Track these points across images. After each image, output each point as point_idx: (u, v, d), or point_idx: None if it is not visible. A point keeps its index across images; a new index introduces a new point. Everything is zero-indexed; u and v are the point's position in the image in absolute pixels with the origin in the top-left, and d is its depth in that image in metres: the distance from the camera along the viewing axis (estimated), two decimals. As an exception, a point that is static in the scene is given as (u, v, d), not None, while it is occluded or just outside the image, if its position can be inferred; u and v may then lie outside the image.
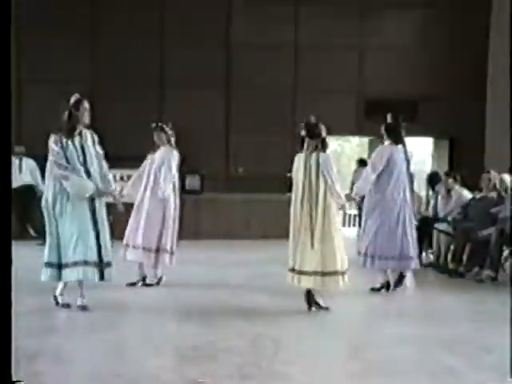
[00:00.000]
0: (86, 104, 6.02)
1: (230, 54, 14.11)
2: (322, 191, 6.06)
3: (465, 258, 8.25)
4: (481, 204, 8.58)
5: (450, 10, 14.31)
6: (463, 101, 14.07)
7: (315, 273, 5.99)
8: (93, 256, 5.84)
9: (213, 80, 13.87)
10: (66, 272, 5.88)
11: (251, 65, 13.85)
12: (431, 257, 9.31)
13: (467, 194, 9.17)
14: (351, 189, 8.55)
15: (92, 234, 5.86)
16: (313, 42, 14.06)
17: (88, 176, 5.91)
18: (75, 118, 5.93)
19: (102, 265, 5.88)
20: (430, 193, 10.22)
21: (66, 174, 5.83)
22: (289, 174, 12.14)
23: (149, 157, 7.41)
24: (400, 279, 7.30)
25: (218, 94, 14.01)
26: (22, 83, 13.20)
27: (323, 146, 6.12)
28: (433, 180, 10.20)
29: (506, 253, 8.24)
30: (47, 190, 6.00)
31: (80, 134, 5.95)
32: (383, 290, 7.20)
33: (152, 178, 7.28)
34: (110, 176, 6.19)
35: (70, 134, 5.91)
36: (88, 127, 6.05)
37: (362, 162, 12.94)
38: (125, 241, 7.30)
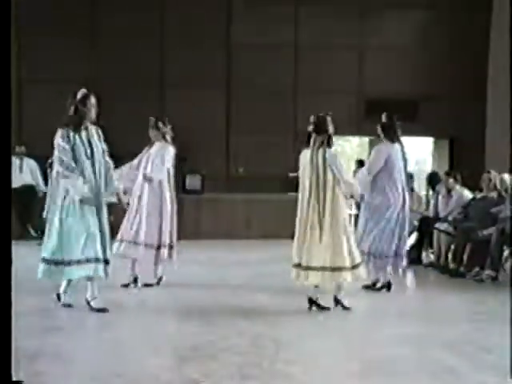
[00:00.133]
0: (93, 99, 5.96)
1: (230, 54, 14.11)
2: (330, 186, 6.05)
3: (465, 257, 8.24)
4: (481, 204, 8.58)
5: (450, 10, 14.31)
6: (463, 101, 14.08)
7: (323, 268, 5.97)
8: (101, 253, 5.85)
9: (213, 80, 13.87)
10: (71, 269, 5.83)
11: (251, 65, 13.85)
12: (432, 257, 9.30)
13: (468, 194, 9.17)
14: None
15: (98, 232, 5.86)
16: (313, 42, 14.06)
17: (93, 170, 5.88)
18: (82, 113, 5.87)
19: (106, 262, 5.89)
20: (430, 193, 10.22)
21: (67, 174, 5.79)
22: (292, 174, 12.14)
23: (144, 151, 7.36)
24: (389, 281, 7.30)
25: (218, 94, 14.01)
26: (22, 83, 13.21)
27: (329, 142, 6.13)
28: (433, 180, 10.21)
29: (506, 253, 8.24)
30: (56, 186, 5.95)
31: (86, 129, 5.92)
32: (384, 290, 7.19)
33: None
34: (115, 174, 6.19)
35: (76, 129, 5.85)
36: (94, 123, 6.01)
37: (360, 163, 12.94)
38: (119, 236, 7.16)
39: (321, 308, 6.11)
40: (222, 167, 14.05)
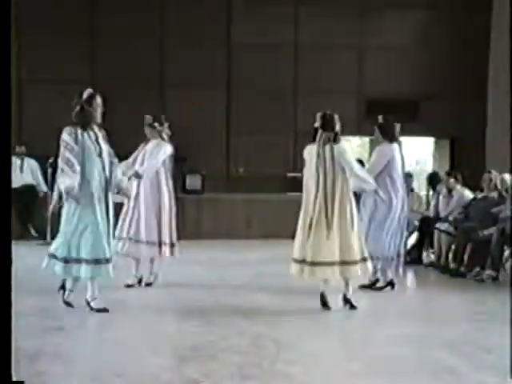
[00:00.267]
0: (99, 99, 5.95)
1: (230, 54, 14.10)
2: (339, 181, 6.03)
3: (466, 257, 8.24)
4: (482, 204, 8.57)
5: (451, 10, 14.31)
6: (464, 100, 14.08)
7: (332, 263, 5.94)
8: (109, 254, 5.85)
9: (213, 80, 13.87)
10: (80, 268, 5.79)
11: (251, 65, 13.85)
12: (432, 257, 9.30)
13: (468, 194, 9.17)
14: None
15: (106, 232, 5.86)
16: (313, 41, 14.06)
17: (103, 169, 5.85)
18: (88, 113, 5.86)
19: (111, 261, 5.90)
20: (431, 193, 10.22)
21: (64, 169, 5.74)
22: (291, 174, 12.06)
23: (140, 147, 7.30)
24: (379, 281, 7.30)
25: (218, 94, 14.01)
26: (22, 83, 13.20)
27: (335, 139, 6.12)
28: (433, 180, 10.21)
29: (507, 253, 8.24)
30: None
31: (92, 129, 5.90)
32: (388, 288, 7.19)
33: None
34: (121, 175, 6.19)
35: (84, 128, 5.84)
36: (99, 124, 5.99)
37: (360, 163, 12.91)
38: (119, 234, 7.09)
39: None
40: (222, 167, 14.05)
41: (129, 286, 7.15)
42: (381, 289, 7.21)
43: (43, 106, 12.87)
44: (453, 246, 8.57)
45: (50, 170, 10.96)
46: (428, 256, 9.49)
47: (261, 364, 4.39)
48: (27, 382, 3.68)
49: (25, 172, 11.80)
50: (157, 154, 7.17)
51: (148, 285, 7.27)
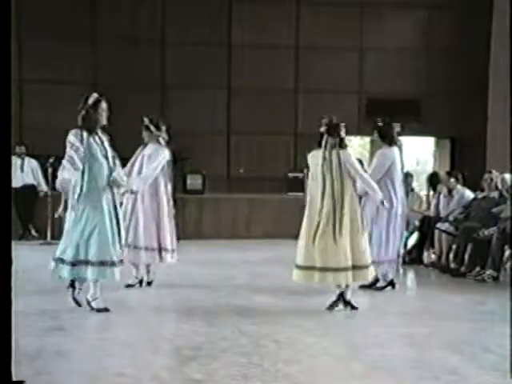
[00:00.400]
0: (104, 104, 5.96)
1: (230, 54, 14.11)
2: (348, 186, 6.05)
3: (466, 257, 8.24)
4: (482, 204, 8.57)
5: (451, 10, 14.31)
6: (465, 100, 14.08)
7: (346, 268, 5.95)
8: (115, 257, 5.84)
9: (213, 80, 13.87)
10: (88, 269, 5.78)
11: (251, 65, 13.85)
12: (433, 256, 9.29)
13: (469, 194, 9.17)
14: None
15: (117, 233, 5.86)
16: (313, 42, 14.06)
17: (109, 170, 5.86)
18: (94, 118, 5.87)
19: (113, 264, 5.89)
20: (431, 193, 10.21)
21: (68, 167, 5.75)
22: (292, 174, 12.07)
23: (138, 151, 7.22)
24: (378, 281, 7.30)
25: (218, 94, 14.02)
26: (23, 83, 13.20)
27: (341, 145, 6.13)
28: (433, 180, 10.20)
29: (507, 253, 8.23)
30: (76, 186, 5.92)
31: (97, 133, 5.92)
32: (389, 288, 7.19)
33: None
34: (124, 177, 6.20)
35: (89, 132, 5.85)
36: (104, 128, 5.99)
37: (360, 163, 12.92)
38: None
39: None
40: (223, 167, 14.06)
41: (129, 285, 7.15)
42: (381, 289, 7.21)
43: (43, 106, 12.88)
44: (453, 246, 8.56)
45: (50, 170, 10.96)
46: (428, 256, 9.48)
47: (261, 364, 4.38)
48: (27, 382, 3.69)
49: (25, 172, 11.80)
50: (155, 160, 7.06)
51: (149, 284, 7.27)
